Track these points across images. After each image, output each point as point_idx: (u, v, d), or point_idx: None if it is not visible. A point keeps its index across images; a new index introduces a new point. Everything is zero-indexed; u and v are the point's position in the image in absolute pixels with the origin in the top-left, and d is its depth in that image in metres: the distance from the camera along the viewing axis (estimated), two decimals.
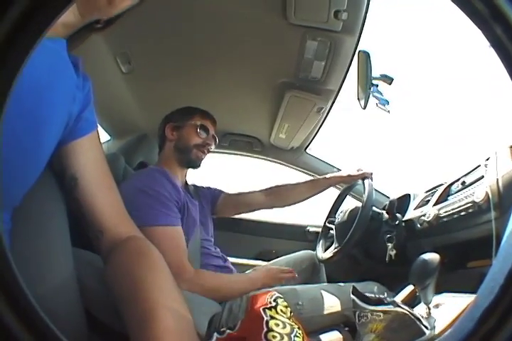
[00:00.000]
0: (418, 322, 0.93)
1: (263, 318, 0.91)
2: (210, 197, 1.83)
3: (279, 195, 1.89)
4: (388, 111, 1.55)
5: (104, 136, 2.17)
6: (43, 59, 0.63)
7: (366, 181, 1.70)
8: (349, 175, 1.84)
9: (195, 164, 1.62)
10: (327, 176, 1.91)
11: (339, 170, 2.30)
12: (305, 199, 1.91)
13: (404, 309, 0.97)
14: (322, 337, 1.30)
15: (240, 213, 2.01)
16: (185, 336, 0.59)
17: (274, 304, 0.97)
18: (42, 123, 0.65)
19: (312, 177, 2.26)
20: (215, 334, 0.96)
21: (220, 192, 1.89)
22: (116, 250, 0.76)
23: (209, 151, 1.65)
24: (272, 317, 0.91)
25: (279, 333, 0.86)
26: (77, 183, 0.78)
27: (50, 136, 0.70)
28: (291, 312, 1.00)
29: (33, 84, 0.61)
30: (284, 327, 0.89)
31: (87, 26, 0.77)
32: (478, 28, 0.42)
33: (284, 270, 1.52)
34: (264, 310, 0.94)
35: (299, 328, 0.92)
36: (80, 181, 0.78)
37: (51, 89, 0.66)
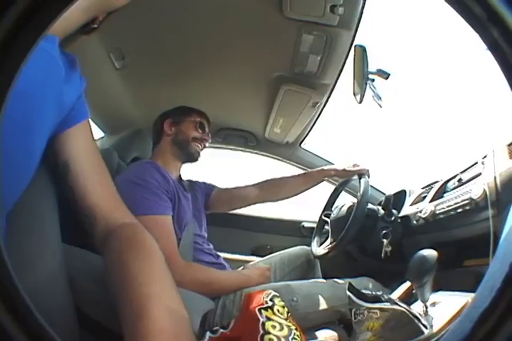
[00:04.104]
0: (416, 321, 0.91)
1: (259, 320, 0.86)
2: (203, 191, 1.83)
3: (272, 189, 1.90)
4: (380, 106, 1.55)
5: (98, 133, 2.15)
6: (33, 61, 0.61)
7: (362, 177, 1.69)
8: (344, 170, 1.82)
9: (194, 157, 1.66)
10: (321, 169, 1.90)
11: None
12: (299, 192, 1.91)
13: (402, 307, 0.95)
14: (317, 333, 1.29)
15: (234, 208, 2.02)
16: (181, 336, 0.56)
17: (270, 304, 0.93)
18: (32, 130, 0.64)
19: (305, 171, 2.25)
20: (208, 334, 0.92)
21: (214, 186, 1.89)
22: (110, 237, 0.74)
23: (205, 147, 1.69)
24: (269, 319, 0.87)
25: (276, 336, 0.82)
26: (70, 169, 0.77)
27: (40, 139, 0.68)
28: (288, 313, 0.95)
29: (20, 89, 0.59)
30: (282, 329, 0.85)
31: (81, 28, 0.77)
32: (475, 30, 0.42)
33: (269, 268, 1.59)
34: (260, 310, 0.90)
35: (296, 329, 0.88)
36: (72, 167, 0.77)
37: (39, 93, 0.64)
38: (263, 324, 0.85)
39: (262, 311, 0.89)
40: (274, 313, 0.90)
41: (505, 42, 0.40)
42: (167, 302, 0.59)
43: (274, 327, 0.84)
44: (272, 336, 0.81)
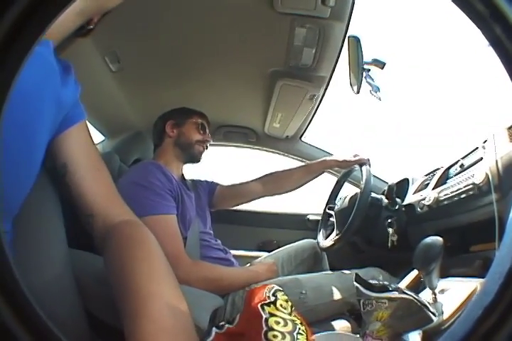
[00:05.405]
0: (425, 309, 0.90)
1: (262, 316, 0.83)
2: (207, 190, 1.84)
3: (275, 183, 1.89)
4: (379, 99, 1.53)
5: (98, 137, 2.15)
6: (29, 66, 0.61)
7: (364, 167, 1.68)
8: (345, 160, 1.81)
9: (197, 158, 1.69)
10: (322, 160, 1.89)
11: None
12: (302, 185, 1.91)
13: (410, 295, 0.94)
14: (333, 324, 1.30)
15: (238, 204, 2.01)
16: (181, 335, 0.54)
17: (273, 299, 0.89)
18: (32, 133, 0.63)
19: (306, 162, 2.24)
20: (214, 329, 0.89)
21: (216, 184, 1.90)
22: (109, 235, 0.73)
23: (207, 148, 1.71)
24: (272, 315, 0.84)
25: (280, 332, 0.78)
26: (67, 170, 0.77)
27: (41, 143, 0.68)
28: (292, 307, 0.92)
29: (18, 91, 0.58)
30: (286, 324, 0.82)
31: (76, 31, 0.75)
32: (478, 27, 0.41)
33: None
34: (262, 306, 0.86)
35: (301, 324, 0.85)
36: (69, 167, 0.77)
37: (38, 97, 0.64)
38: (266, 320, 0.82)
39: (265, 307, 0.86)
40: (277, 308, 0.87)
41: (508, 39, 0.40)
42: (167, 300, 0.58)
43: (277, 323, 0.82)
44: (276, 332, 0.78)
